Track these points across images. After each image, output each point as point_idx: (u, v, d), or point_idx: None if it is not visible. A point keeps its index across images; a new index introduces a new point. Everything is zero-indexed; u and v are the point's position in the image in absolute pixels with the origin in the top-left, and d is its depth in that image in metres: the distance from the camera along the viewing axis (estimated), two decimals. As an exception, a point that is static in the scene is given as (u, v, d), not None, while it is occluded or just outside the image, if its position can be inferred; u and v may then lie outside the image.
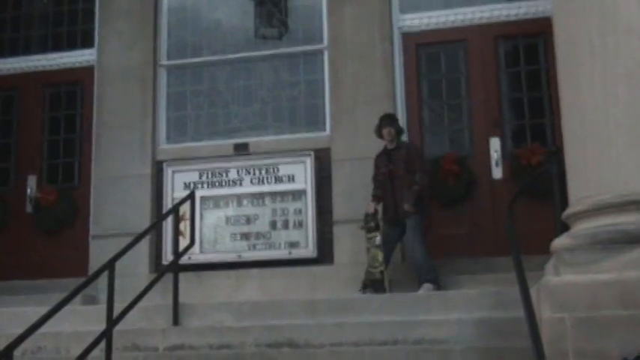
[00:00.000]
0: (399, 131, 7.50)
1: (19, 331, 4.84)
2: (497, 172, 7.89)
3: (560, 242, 4.99)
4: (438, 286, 7.03)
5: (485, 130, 8.01)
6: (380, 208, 7.39)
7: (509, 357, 5.17)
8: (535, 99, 8.02)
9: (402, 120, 8.08)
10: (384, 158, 7.45)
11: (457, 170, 7.80)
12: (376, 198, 7.43)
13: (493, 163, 7.90)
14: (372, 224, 7.35)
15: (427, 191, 7.44)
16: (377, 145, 7.61)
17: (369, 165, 7.62)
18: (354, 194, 7.84)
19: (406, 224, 7.23)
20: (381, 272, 7.19)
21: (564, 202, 5.44)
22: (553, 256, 5.02)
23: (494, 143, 7.93)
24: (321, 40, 8.54)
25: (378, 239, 7.27)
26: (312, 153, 8.11)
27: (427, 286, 6.97)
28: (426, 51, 8.37)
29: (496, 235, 7.50)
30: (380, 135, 7.47)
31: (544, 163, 7.24)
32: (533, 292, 4.60)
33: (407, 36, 8.37)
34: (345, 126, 8.09)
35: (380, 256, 7.23)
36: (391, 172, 7.35)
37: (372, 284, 7.22)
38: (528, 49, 8.15)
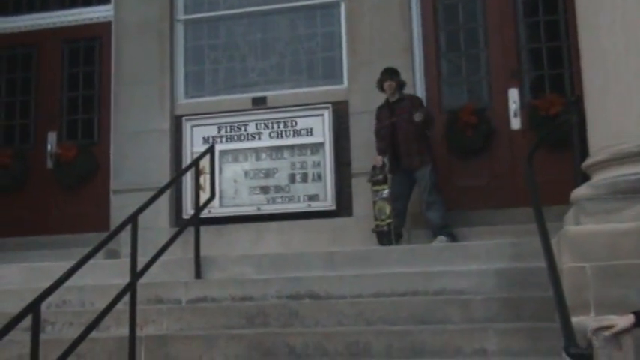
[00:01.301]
0: (401, 84, 7.49)
1: (43, 284, 4.93)
2: (515, 123, 7.85)
3: (580, 192, 5.00)
4: (453, 237, 7.08)
5: (503, 80, 7.96)
6: (386, 160, 7.38)
7: (529, 307, 5.23)
8: (554, 49, 7.93)
9: (419, 72, 8.04)
10: (387, 111, 7.47)
11: (475, 121, 7.77)
12: (382, 151, 7.44)
13: (511, 113, 7.86)
14: (380, 177, 7.36)
15: (433, 144, 7.53)
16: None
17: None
18: (373, 147, 7.81)
19: (416, 177, 7.26)
20: (388, 225, 7.22)
21: (584, 152, 5.44)
22: (573, 206, 5.04)
23: (513, 94, 7.88)
24: (338, -8, 8.47)
25: (386, 192, 7.29)
26: (329, 106, 8.10)
27: (441, 238, 7.03)
28: (444, 2, 8.28)
29: (515, 186, 7.51)
30: (382, 88, 7.49)
31: (563, 113, 7.20)
32: (553, 242, 4.62)
33: (424, -13, 8.28)
34: (362, 78, 8.04)
35: (387, 209, 7.25)
36: (394, 124, 7.36)
37: (379, 237, 7.27)
38: (547, -2, 8.04)
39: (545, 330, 4.80)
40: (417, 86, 8.03)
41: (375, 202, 7.38)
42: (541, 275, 4.72)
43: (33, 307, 4.28)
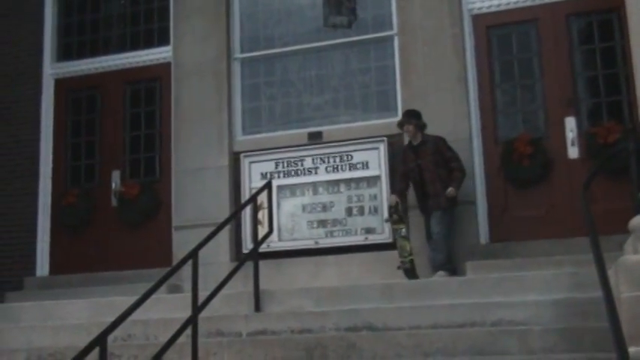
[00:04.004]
0: (421, 126, 7.60)
1: (109, 319, 5.10)
2: (573, 152, 7.79)
3: (638, 220, 4.94)
4: (453, 273, 7.25)
5: (559, 109, 7.91)
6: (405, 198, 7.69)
7: (588, 337, 5.16)
8: (610, 76, 7.87)
9: (474, 103, 8.07)
10: (411, 153, 7.63)
11: (531, 151, 7.73)
12: (398, 190, 7.64)
13: (569, 142, 7.80)
14: (396, 216, 7.53)
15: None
16: (450, 130, 7.66)
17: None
18: (429, 179, 7.86)
19: (433, 215, 7.40)
20: (411, 261, 7.40)
21: (643, 180, 5.38)
22: (632, 234, 4.98)
23: (570, 122, 7.83)
24: (390, 27, 8.58)
25: (404, 230, 7.50)
26: (385, 139, 8.17)
27: (441, 273, 7.16)
28: (497, 32, 8.31)
29: (573, 216, 7.41)
30: (402, 131, 7.72)
31: (621, 141, 7.12)
32: (611, 271, 4.58)
33: (476, 18, 8.33)
34: (416, 111, 8.10)
35: (408, 247, 7.44)
36: (419, 166, 7.52)
37: (405, 273, 7.38)
38: (602, 25, 7.99)
39: (605, 361, 4.73)
40: (472, 117, 8.06)
41: (396, 240, 7.53)
42: (600, 305, 4.65)
43: (100, 341, 4.44)
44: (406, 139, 7.93)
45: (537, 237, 7.57)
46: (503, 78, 8.25)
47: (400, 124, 7.69)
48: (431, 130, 7.65)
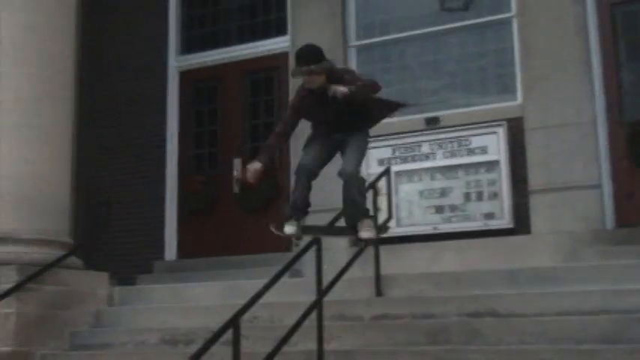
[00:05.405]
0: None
1: (236, 301, 5.29)
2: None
3: None
4: None
5: (692, 87, 7.57)
6: None
7: None
8: None
9: (598, 84, 7.81)
10: None
11: (661, 132, 7.44)
12: None
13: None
14: None
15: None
16: (573, 112, 7.45)
17: (565, 132, 7.48)
18: (550, 162, 7.70)
19: None
20: None
21: None
22: None
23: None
24: (508, 9, 8.42)
25: None
26: (504, 123, 8.04)
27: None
28: (622, 10, 7.99)
29: None
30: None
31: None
32: None
33: (600, -4, 8.07)
34: (537, 94, 7.93)
35: None
36: None
37: None
38: None
39: None
40: (596, 98, 7.80)
41: None
42: None
43: (234, 321, 4.64)
44: (531, 122, 7.69)
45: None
46: (629, 57, 7.93)
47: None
48: (553, 113, 7.47)
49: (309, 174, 5.55)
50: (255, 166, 5.51)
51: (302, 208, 5.61)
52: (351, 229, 5.62)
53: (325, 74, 5.39)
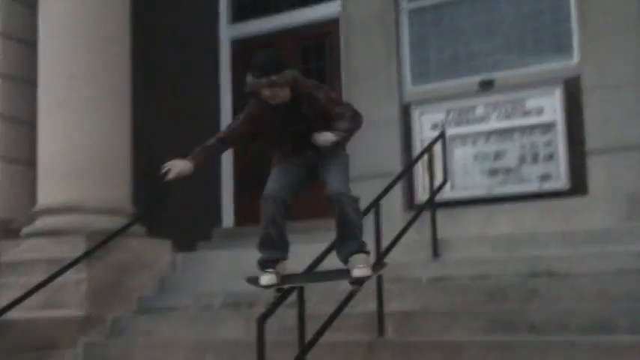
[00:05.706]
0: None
1: (295, 266, 5.43)
2: None
3: None
4: None
5: None
6: None
7: None
8: None
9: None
10: None
11: None
12: None
13: None
14: None
15: None
16: (632, 72, 7.33)
17: (622, 92, 7.38)
18: (608, 123, 7.61)
19: None
20: None
21: None
22: None
23: None
24: (565, -36, 8.29)
25: None
26: (560, 83, 7.96)
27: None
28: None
29: None
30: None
31: None
32: None
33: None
34: (595, 53, 7.79)
35: None
36: None
37: None
38: None
39: None
40: (654, 62, 7.66)
41: None
42: None
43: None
44: (588, 81, 7.55)
45: None
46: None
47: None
48: (611, 72, 7.36)
49: (279, 204, 4.74)
50: (185, 168, 4.73)
51: (279, 247, 4.78)
52: (342, 273, 4.69)
53: (290, 87, 4.52)
